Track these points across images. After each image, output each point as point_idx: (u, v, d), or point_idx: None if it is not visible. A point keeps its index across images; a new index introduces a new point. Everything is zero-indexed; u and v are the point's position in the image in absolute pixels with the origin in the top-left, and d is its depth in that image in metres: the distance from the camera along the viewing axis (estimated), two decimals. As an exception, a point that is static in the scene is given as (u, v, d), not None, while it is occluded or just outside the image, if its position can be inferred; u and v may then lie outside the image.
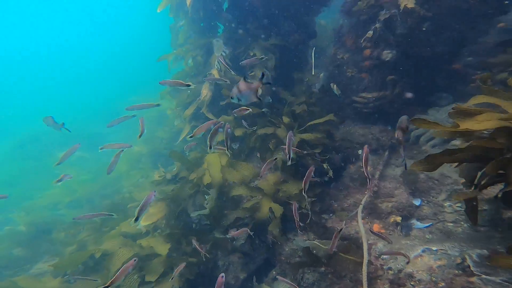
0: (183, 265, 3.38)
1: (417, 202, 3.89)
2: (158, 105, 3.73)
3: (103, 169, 9.30)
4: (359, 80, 5.21)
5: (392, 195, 4.11)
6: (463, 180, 2.54)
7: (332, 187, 4.74)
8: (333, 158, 4.81)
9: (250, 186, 4.59)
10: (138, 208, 2.57)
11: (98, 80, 25.88)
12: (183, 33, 6.06)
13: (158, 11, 5.77)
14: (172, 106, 7.92)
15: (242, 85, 2.47)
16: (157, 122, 11.04)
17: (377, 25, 4.43)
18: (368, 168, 4.66)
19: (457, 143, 3.80)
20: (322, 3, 5.21)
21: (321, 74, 7.14)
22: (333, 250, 2.93)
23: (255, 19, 5.34)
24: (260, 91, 2.51)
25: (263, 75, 2.41)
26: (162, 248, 4.05)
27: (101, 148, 3.69)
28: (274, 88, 5.03)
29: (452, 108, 2.09)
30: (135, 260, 2.48)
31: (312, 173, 3.20)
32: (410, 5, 3.68)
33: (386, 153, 4.87)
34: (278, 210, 4.09)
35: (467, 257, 2.35)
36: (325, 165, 4.58)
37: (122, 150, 4.10)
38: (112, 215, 3.24)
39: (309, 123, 4.46)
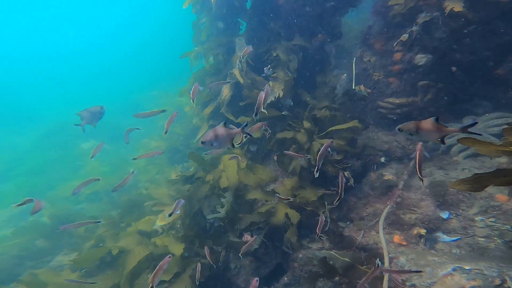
0: (199, 265, 3.40)
1: (444, 215, 3.72)
2: (163, 111, 3.88)
3: (121, 163, 9.69)
4: (386, 85, 4.95)
5: (416, 206, 3.96)
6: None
7: (351, 194, 4.61)
8: (353, 164, 4.66)
9: (266, 190, 4.52)
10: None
11: (121, 74, 26.81)
12: (205, 30, 6.05)
13: (184, 7, 5.81)
14: (189, 103, 8.02)
15: (220, 130, 2.40)
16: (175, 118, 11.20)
17: (414, 28, 4.18)
18: (390, 177, 4.52)
19: (502, 160, 3.53)
20: (351, 4, 4.97)
21: (344, 75, 6.89)
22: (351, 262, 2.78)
23: (278, 18, 5.21)
24: (237, 139, 2.45)
25: (246, 124, 2.38)
26: (176, 248, 4.09)
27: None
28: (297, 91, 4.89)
29: (508, 124, 1.88)
30: (169, 257, 2.53)
31: (342, 179, 2.99)
32: (458, 8, 3.43)
33: (412, 162, 4.63)
34: (295, 217, 4.01)
35: (507, 278, 2.15)
36: (346, 173, 4.44)
37: (133, 172, 4.33)
38: (99, 221, 3.29)
39: (330, 129, 4.30)
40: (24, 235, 5.34)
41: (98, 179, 4.19)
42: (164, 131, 3.64)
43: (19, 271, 4.71)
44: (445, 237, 3.52)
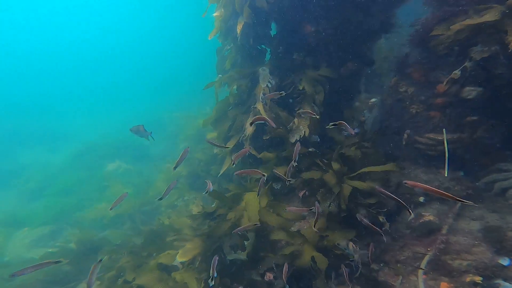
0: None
1: (504, 262, 3.50)
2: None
3: (144, 184, 10.18)
4: (426, 119, 4.73)
5: (467, 251, 3.71)
6: None
7: (384, 234, 4.38)
8: (387, 203, 4.46)
9: (291, 231, 4.46)
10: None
11: (146, 93, 28.58)
12: (230, 58, 6.29)
13: (210, 38, 6.12)
14: (211, 130, 8.29)
15: None
16: (196, 140, 11.65)
17: (468, 64, 3.97)
18: (431, 217, 4.23)
19: None
20: (384, 30, 4.91)
21: (372, 100, 6.72)
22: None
23: (304, 46, 5.28)
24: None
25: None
26: (196, 285, 4.13)
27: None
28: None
29: None
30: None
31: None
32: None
33: (459, 204, 4.34)
34: (323, 262, 3.88)
35: None
36: (380, 218, 4.24)
37: (176, 182, 4.66)
38: (60, 261, 3.28)
39: (362, 170, 4.17)
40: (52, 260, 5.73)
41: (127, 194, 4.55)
42: (174, 166, 3.86)
43: None
44: (508, 285, 3.31)
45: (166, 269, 4.73)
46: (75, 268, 5.65)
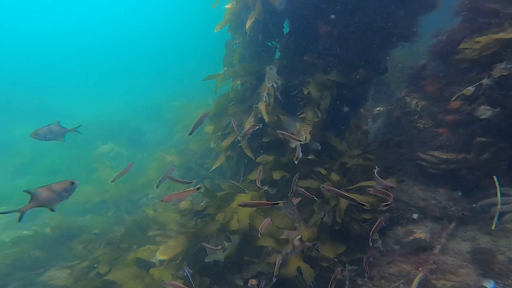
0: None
1: (489, 284, 3.42)
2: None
3: (134, 171, 9.79)
4: (432, 135, 4.51)
5: (454, 273, 3.63)
6: None
7: (371, 247, 4.23)
8: (377, 218, 4.30)
9: (279, 238, 4.24)
10: None
11: (146, 78, 28.00)
12: (238, 53, 6.03)
13: (216, 30, 5.84)
14: (209, 123, 7.98)
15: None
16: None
17: (485, 81, 3.72)
18: (422, 235, 4.08)
19: None
20: (404, 38, 4.64)
21: (377, 109, 6.48)
22: None
23: (316, 49, 5.01)
24: None
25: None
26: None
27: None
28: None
29: None
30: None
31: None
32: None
33: (453, 224, 4.32)
34: (309, 273, 3.70)
35: None
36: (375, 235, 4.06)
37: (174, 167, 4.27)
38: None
39: (361, 184, 3.94)
40: (23, 244, 5.41)
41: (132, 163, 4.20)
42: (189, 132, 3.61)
43: (8, 282, 4.73)
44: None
45: (145, 265, 4.46)
46: (46, 255, 5.35)
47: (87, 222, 6.42)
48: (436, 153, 4.56)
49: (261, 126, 4.21)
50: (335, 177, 3.96)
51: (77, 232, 5.81)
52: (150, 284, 4.03)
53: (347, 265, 3.95)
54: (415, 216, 4.45)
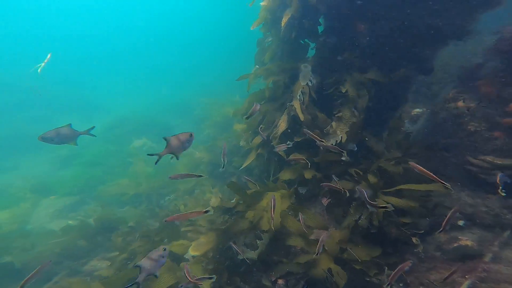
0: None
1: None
2: (200, 176, 3.68)
3: (165, 165, 10.14)
4: (485, 139, 4.08)
5: (510, 282, 3.29)
6: None
7: (409, 253, 3.93)
8: (419, 223, 4.01)
9: (309, 238, 4.11)
10: None
11: (176, 74, 28.86)
12: (270, 50, 5.91)
13: (252, 28, 5.76)
14: (240, 121, 7.98)
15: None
16: (221, 128, 11.40)
17: None
18: (469, 243, 3.75)
19: None
20: (457, 36, 4.21)
21: (416, 110, 6.01)
22: None
23: (354, 47, 4.73)
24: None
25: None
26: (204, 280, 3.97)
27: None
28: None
29: None
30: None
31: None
32: None
33: (508, 232, 3.93)
34: (342, 276, 3.53)
35: None
36: (414, 239, 3.82)
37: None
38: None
39: (402, 187, 3.66)
40: (70, 233, 5.83)
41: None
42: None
43: (57, 270, 5.12)
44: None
45: (175, 258, 4.57)
46: (89, 245, 5.70)
47: (125, 214, 6.76)
48: (489, 158, 4.11)
49: (291, 146, 4.15)
50: (372, 179, 3.72)
51: (116, 224, 6.14)
52: (181, 278, 4.12)
53: (386, 268, 3.72)
54: (460, 222, 4.11)
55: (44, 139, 3.16)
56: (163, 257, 2.86)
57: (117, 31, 45.51)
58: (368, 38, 4.49)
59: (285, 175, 4.71)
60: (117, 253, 4.93)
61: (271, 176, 5.23)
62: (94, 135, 3.67)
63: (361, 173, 3.95)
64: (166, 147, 2.74)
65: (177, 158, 2.89)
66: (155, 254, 2.82)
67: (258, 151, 5.28)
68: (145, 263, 2.74)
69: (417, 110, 6.05)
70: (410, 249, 3.90)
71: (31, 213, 8.36)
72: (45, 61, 4.47)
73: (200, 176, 3.61)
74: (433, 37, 4.20)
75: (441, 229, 2.96)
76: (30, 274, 2.89)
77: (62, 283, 4.00)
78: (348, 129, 4.03)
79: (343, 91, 4.18)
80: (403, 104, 4.96)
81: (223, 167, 3.88)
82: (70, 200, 8.61)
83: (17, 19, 39.39)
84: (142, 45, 42.60)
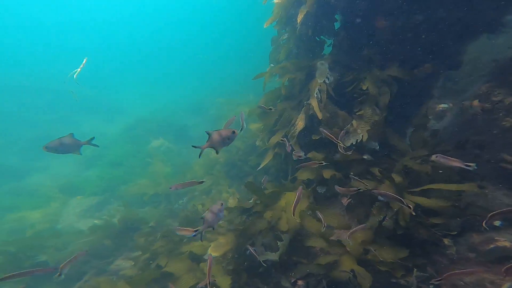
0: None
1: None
2: (202, 182, 3.73)
3: (182, 165, 10.29)
4: (522, 136, 3.72)
5: None
6: None
7: (439, 254, 3.69)
8: (449, 223, 3.75)
9: (330, 239, 3.98)
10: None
11: (191, 77, 29.16)
12: (285, 48, 5.77)
13: (265, 26, 5.64)
14: (255, 120, 7.89)
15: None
16: (236, 127, 11.31)
17: None
18: (507, 244, 3.48)
19: None
20: (490, 29, 3.88)
21: (442, 106, 5.65)
22: None
23: (374, 42, 4.50)
24: None
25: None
26: (224, 281, 3.96)
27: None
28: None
29: None
30: None
31: None
32: None
33: None
34: (367, 278, 3.37)
35: None
36: (446, 241, 3.58)
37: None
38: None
39: (431, 186, 3.44)
40: (96, 233, 6.04)
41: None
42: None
43: (86, 269, 5.31)
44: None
45: (194, 258, 4.61)
46: (114, 244, 5.87)
47: (146, 214, 6.92)
48: (526, 155, 3.77)
49: (303, 156, 4.02)
50: (397, 178, 3.52)
51: (138, 223, 6.29)
52: (200, 278, 4.13)
53: (415, 270, 3.52)
54: (497, 223, 3.79)
55: (48, 148, 3.12)
56: (221, 211, 2.98)
57: (136, 36, 46.97)
58: (389, 34, 4.24)
59: (303, 174, 4.60)
60: (140, 253, 5.05)
61: (289, 175, 5.13)
62: (97, 145, 3.66)
63: (380, 172, 3.75)
64: (207, 140, 2.73)
65: (217, 153, 2.90)
66: (215, 208, 2.94)
67: (275, 151, 5.19)
68: (207, 215, 2.86)
69: (443, 105, 5.69)
70: (439, 250, 3.66)
71: (60, 213, 8.78)
72: (81, 66, 4.58)
73: (202, 182, 3.67)
74: (462, 31, 3.88)
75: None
76: (68, 260, 3.04)
77: (91, 282, 4.15)
78: (369, 128, 3.84)
79: (364, 88, 3.98)
80: (428, 100, 4.66)
81: (241, 130, 3.84)
82: (95, 200, 8.96)
83: (47, 26, 41.46)
84: (158, 48, 43.60)
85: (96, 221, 6.74)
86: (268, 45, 6.43)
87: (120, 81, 28.23)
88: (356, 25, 4.66)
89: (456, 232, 3.57)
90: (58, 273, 2.98)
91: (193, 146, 2.87)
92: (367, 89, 3.98)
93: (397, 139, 4.10)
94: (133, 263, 4.87)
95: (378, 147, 3.98)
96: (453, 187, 3.36)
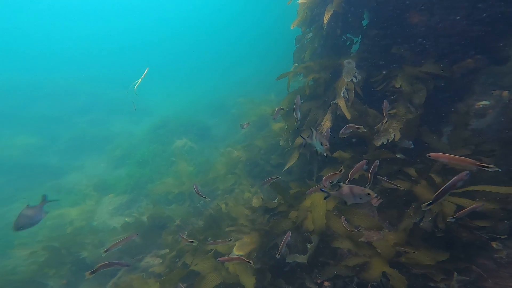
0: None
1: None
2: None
3: (205, 164, 10.36)
4: None
5: None
6: None
7: (485, 257, 3.36)
8: (496, 226, 3.38)
9: (358, 241, 3.77)
10: None
11: (213, 77, 29.50)
12: (310, 48, 5.60)
13: (292, 27, 5.51)
14: (277, 120, 7.73)
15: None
16: (257, 127, 11.27)
17: None
18: None
19: None
20: None
21: (482, 103, 5.17)
22: None
23: (405, 39, 4.18)
24: None
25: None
26: (248, 280, 3.89)
27: None
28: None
29: None
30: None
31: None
32: None
33: None
34: (400, 280, 3.16)
35: None
36: (494, 244, 3.29)
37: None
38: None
39: (475, 188, 3.12)
40: (128, 230, 6.23)
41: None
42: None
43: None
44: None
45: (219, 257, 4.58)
46: (144, 242, 6.00)
47: (172, 212, 7.00)
48: None
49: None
50: (437, 178, 3.23)
51: (165, 221, 6.41)
52: (225, 277, 4.11)
53: (455, 274, 3.23)
54: None
55: (20, 229, 3.02)
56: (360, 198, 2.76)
57: (162, 37, 48.49)
58: (423, 30, 3.92)
59: (328, 173, 4.40)
60: (167, 250, 5.12)
61: (315, 174, 4.94)
62: (57, 199, 3.89)
63: (416, 173, 3.46)
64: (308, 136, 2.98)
65: (317, 153, 3.08)
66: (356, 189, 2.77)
67: (301, 151, 5.03)
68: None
69: (484, 102, 5.21)
70: (485, 253, 3.35)
71: (95, 210, 9.21)
72: (142, 76, 4.70)
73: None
74: (506, 26, 3.48)
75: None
76: (117, 241, 3.11)
77: (124, 278, 4.26)
78: (401, 126, 3.56)
79: (397, 86, 3.70)
80: (468, 97, 4.26)
81: (297, 122, 3.74)
82: (125, 198, 9.29)
83: (81, 30, 44.32)
84: (182, 49, 44.66)
85: (126, 219, 6.97)
86: (289, 44, 6.27)
87: (148, 82, 29.10)
88: (386, 21, 4.38)
89: (506, 236, 3.22)
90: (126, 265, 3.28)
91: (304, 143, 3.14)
92: (400, 86, 3.70)
93: (434, 138, 3.78)
94: (161, 261, 4.95)
95: (412, 146, 3.69)
96: (502, 189, 3.01)
